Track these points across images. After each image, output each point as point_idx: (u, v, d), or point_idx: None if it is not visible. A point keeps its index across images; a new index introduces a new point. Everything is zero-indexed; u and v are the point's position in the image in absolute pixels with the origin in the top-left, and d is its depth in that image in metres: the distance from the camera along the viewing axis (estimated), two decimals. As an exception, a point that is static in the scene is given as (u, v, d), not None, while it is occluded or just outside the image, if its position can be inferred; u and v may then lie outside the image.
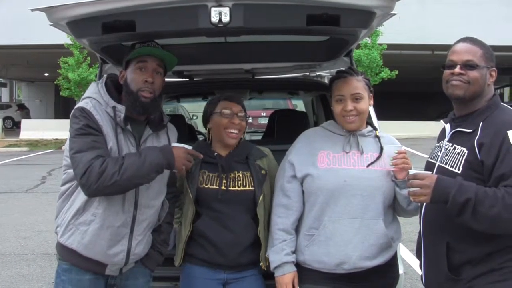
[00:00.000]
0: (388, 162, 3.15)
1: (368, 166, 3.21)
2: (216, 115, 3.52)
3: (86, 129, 3.01)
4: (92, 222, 3.09)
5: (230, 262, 3.44)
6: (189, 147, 3.17)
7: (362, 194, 3.16)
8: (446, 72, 2.98)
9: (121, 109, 3.11)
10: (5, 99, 50.79)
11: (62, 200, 3.21)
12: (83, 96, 3.19)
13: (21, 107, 44.30)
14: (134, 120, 3.18)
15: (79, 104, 3.11)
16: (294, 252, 3.32)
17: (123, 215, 3.13)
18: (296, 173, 3.31)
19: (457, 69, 2.93)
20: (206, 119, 3.62)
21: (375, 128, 3.40)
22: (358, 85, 3.29)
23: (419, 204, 3.13)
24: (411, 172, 2.90)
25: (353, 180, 3.17)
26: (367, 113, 3.33)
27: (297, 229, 3.36)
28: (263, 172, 3.53)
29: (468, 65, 2.91)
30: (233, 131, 3.49)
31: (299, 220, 3.35)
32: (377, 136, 3.34)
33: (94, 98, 3.12)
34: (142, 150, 3.07)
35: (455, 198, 2.70)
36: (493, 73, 2.97)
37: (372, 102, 3.38)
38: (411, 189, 2.85)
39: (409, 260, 7.13)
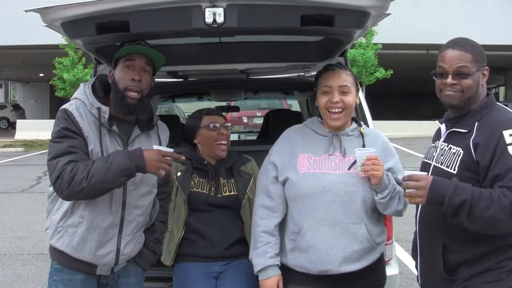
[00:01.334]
0: (359, 168, 3.06)
1: (349, 168, 3.12)
2: (204, 129, 3.76)
3: (64, 132, 3.02)
4: (80, 224, 3.09)
5: (220, 254, 3.59)
6: (169, 150, 3.08)
7: (342, 199, 3.08)
8: (438, 81, 2.95)
9: (106, 110, 3.10)
10: (0, 99, 50.61)
11: (50, 202, 3.22)
12: (72, 97, 3.21)
13: (16, 107, 44.15)
14: (122, 120, 3.18)
15: (64, 105, 3.12)
16: (278, 254, 3.25)
17: (111, 216, 3.13)
18: (279, 176, 3.25)
19: (449, 80, 2.89)
20: (191, 134, 3.82)
21: (359, 124, 3.30)
22: (347, 78, 3.22)
23: (399, 208, 3.13)
24: (407, 173, 2.87)
25: (332, 186, 3.09)
26: (352, 109, 3.24)
27: (281, 232, 3.29)
28: (247, 176, 3.76)
29: (461, 74, 2.87)
30: (223, 142, 3.74)
31: (284, 223, 3.29)
32: (361, 134, 3.24)
33: (79, 99, 3.13)
34: (110, 154, 3.02)
35: (451, 200, 2.69)
36: (485, 72, 2.93)
37: (358, 100, 3.30)
38: (407, 191, 2.82)
39: (404, 260, 7.13)
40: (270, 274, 3.22)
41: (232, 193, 3.70)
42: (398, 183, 3.13)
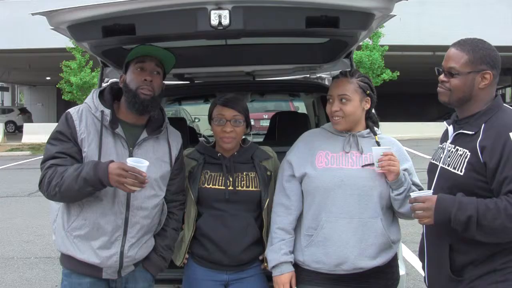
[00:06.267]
0: (376, 164, 3.16)
1: (363, 166, 3.20)
2: (212, 121, 3.50)
3: (57, 135, 3.14)
4: (83, 226, 3.12)
5: (230, 260, 3.43)
6: (140, 165, 2.92)
7: (359, 193, 3.16)
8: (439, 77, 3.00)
9: (108, 112, 3.15)
10: (7, 103, 50.83)
11: (55, 204, 3.30)
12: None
13: (23, 111, 44.24)
14: (130, 124, 3.21)
15: (71, 108, 3.21)
16: (292, 252, 3.31)
17: (114, 217, 3.14)
18: (295, 173, 3.32)
19: (441, 76, 2.94)
20: (209, 122, 3.58)
21: (374, 133, 3.35)
22: (348, 87, 3.27)
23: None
24: (413, 195, 2.91)
25: (350, 180, 3.17)
26: (355, 116, 3.29)
27: (297, 229, 3.34)
28: (268, 173, 3.53)
29: (450, 73, 2.90)
30: (227, 136, 3.42)
31: (300, 220, 3.35)
32: (377, 142, 3.30)
33: (87, 103, 3.21)
34: (84, 163, 3.04)
35: (457, 217, 2.72)
36: (487, 76, 2.89)
37: (368, 105, 3.33)
38: (415, 212, 2.87)
39: (411, 261, 7.12)
40: (283, 270, 3.29)
41: (252, 188, 3.45)
42: (413, 184, 3.27)
